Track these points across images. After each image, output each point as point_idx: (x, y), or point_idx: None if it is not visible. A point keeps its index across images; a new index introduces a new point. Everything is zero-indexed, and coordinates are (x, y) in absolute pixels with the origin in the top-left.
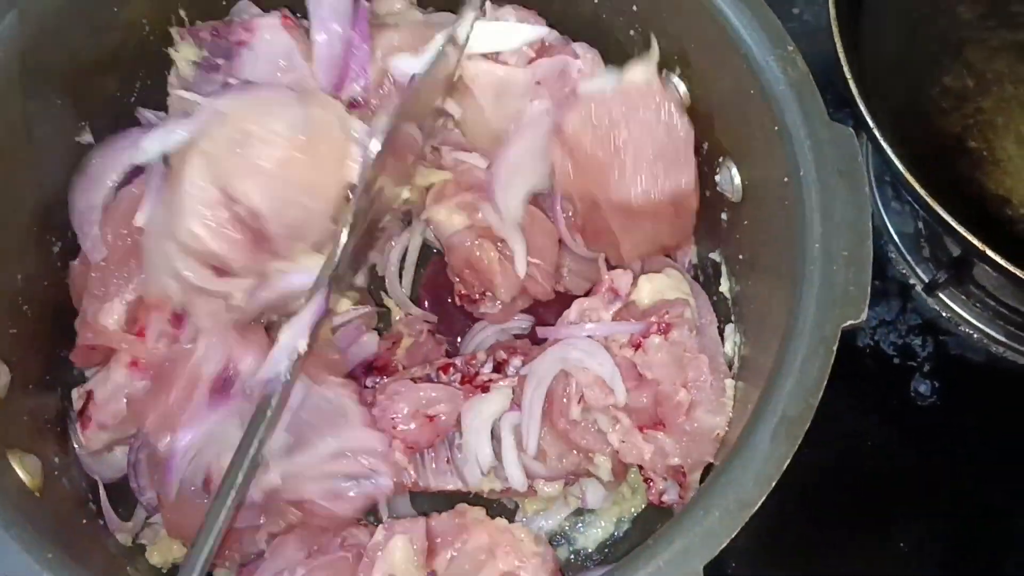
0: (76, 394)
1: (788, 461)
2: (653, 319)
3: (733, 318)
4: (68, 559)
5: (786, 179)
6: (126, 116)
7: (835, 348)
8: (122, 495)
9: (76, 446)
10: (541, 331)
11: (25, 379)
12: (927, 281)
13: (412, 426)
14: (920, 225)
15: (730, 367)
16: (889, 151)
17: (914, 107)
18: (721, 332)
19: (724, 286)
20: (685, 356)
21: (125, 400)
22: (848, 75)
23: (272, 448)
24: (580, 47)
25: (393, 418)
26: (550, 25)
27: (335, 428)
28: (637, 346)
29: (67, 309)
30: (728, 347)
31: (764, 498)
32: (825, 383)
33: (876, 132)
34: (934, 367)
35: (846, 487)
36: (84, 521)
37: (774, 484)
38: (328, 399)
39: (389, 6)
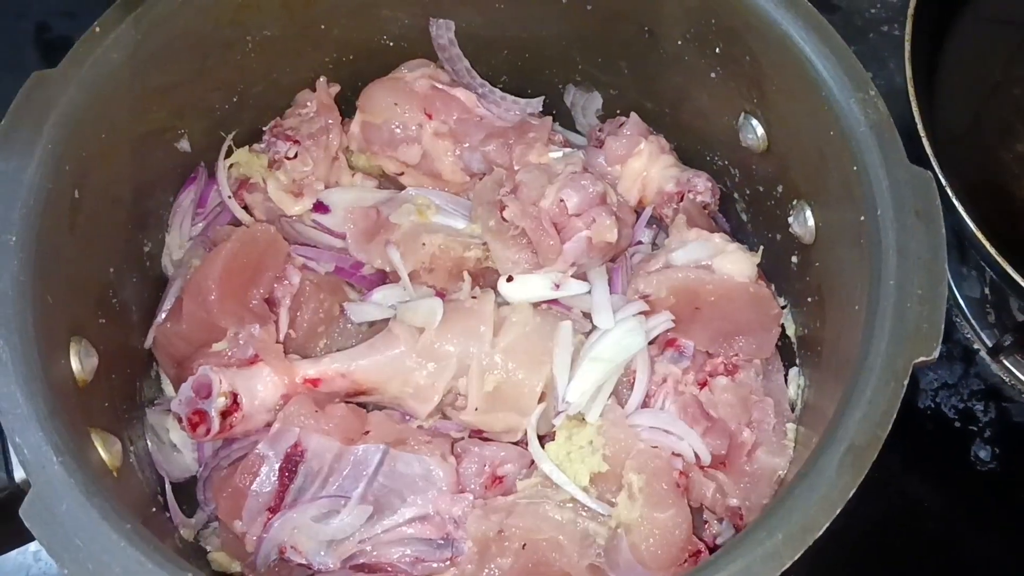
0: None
1: (853, 490)
2: (720, 359)
3: (798, 361)
4: (143, 535)
5: (862, 218)
6: (226, 126)
7: (906, 383)
8: (188, 494)
9: (149, 442)
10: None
11: (108, 368)
12: (991, 346)
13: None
14: (986, 290)
15: (793, 410)
16: (961, 210)
17: (986, 172)
18: (785, 376)
19: (790, 329)
20: (751, 398)
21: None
22: (923, 135)
23: (348, 520)
24: (700, 179)
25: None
26: (630, 62)
27: (417, 492)
28: (703, 385)
29: (150, 307)
30: (792, 390)
31: (828, 524)
32: (894, 417)
33: (949, 191)
34: (995, 433)
35: (897, 550)
36: (153, 510)
37: (838, 511)
38: (409, 463)
39: None
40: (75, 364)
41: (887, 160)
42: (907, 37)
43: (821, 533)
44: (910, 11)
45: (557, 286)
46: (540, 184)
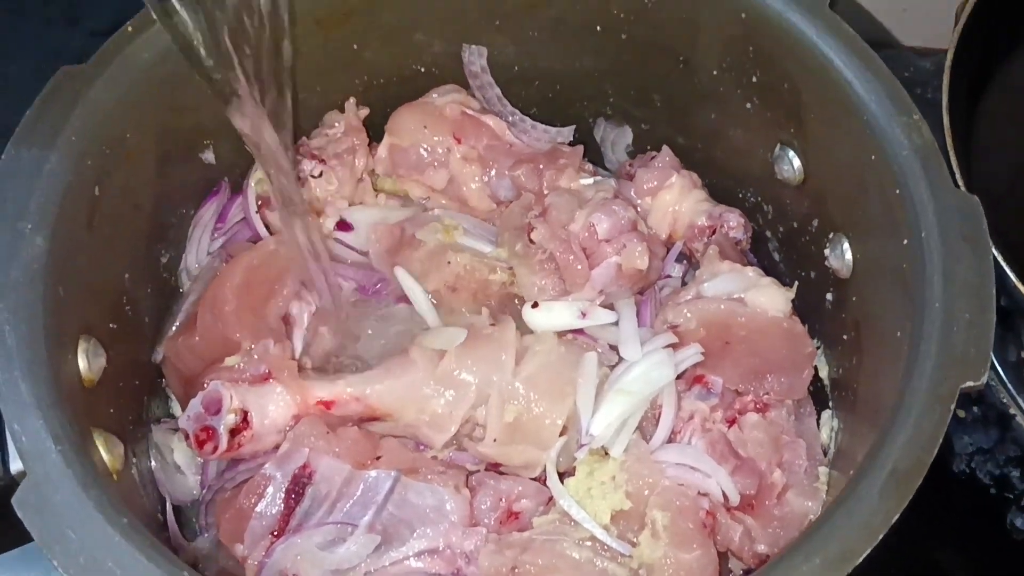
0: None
1: (896, 517)
2: (750, 398)
3: (831, 404)
4: (139, 530)
5: (906, 242)
6: None
7: (952, 408)
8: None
9: (152, 461)
10: None
11: (117, 376)
12: None
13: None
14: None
15: (825, 454)
16: (1008, 269)
17: None
18: (817, 420)
19: (823, 372)
20: (782, 437)
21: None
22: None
23: (354, 549)
24: (732, 214)
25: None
26: (663, 94)
27: (428, 524)
28: (732, 423)
29: (162, 321)
30: (824, 434)
31: (868, 552)
32: (939, 443)
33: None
34: None
35: None
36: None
37: (880, 538)
38: (421, 493)
39: None
40: (82, 362)
41: (932, 184)
42: (944, 100)
43: (860, 561)
44: (946, 80)
45: (584, 314)
46: (570, 208)
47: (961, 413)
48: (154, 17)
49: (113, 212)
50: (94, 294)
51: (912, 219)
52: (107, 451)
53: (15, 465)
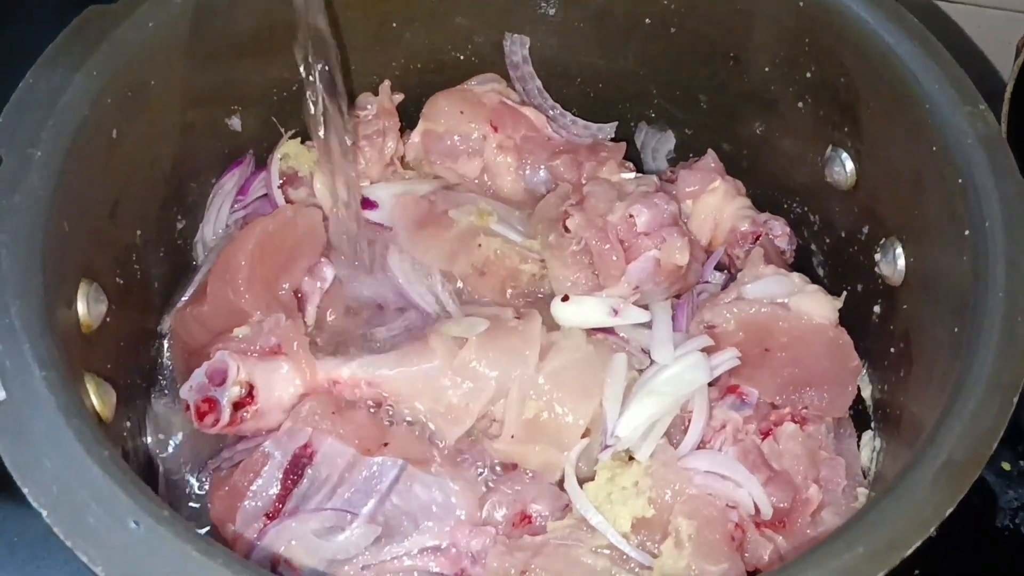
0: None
1: (950, 510)
2: (787, 411)
3: (873, 424)
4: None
5: (967, 232)
6: (281, 116)
7: (1015, 400)
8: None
9: (149, 438)
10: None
11: (118, 331)
12: None
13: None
14: None
15: (865, 476)
16: None
17: None
18: (857, 440)
19: (866, 392)
20: (820, 453)
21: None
22: None
23: (352, 539)
24: (777, 222)
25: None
26: (710, 95)
27: (433, 519)
28: (766, 434)
29: (171, 291)
30: (865, 456)
31: (917, 545)
32: (999, 436)
33: None
34: None
35: None
36: None
37: (932, 531)
38: (428, 486)
39: None
40: (82, 305)
41: (996, 173)
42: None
43: (909, 553)
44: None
45: (615, 312)
46: (609, 198)
47: (1007, 466)
48: None
49: (129, 160)
50: (101, 240)
51: (975, 210)
52: (98, 397)
53: None
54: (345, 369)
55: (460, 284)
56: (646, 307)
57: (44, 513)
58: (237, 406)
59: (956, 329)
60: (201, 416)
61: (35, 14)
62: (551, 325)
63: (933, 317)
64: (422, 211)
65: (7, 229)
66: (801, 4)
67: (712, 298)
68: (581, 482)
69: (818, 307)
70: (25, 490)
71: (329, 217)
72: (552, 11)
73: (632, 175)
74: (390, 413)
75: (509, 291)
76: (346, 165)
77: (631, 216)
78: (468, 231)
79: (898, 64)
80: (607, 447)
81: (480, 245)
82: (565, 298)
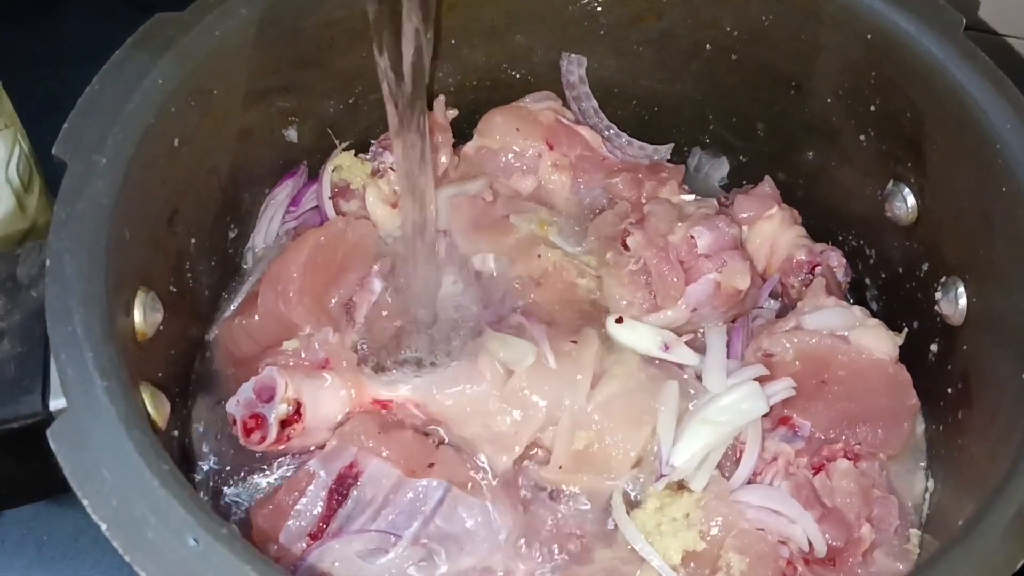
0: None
1: (1021, 563)
2: (840, 446)
3: (925, 463)
4: (179, 480)
5: None
6: (337, 128)
7: None
8: None
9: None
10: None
11: (170, 340)
12: None
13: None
14: None
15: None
16: None
17: None
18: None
19: (918, 428)
20: (873, 491)
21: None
22: None
23: (396, 562)
24: (834, 253)
25: None
26: (768, 123)
27: (477, 542)
28: (818, 469)
29: (219, 300)
30: (916, 494)
31: None
32: None
33: None
34: None
35: None
36: None
37: None
38: (472, 508)
39: None
40: (138, 314)
41: None
42: None
43: None
44: None
45: (666, 347)
46: (670, 218)
47: None
48: None
49: (189, 169)
50: (159, 248)
51: None
52: (153, 408)
53: (55, 403)
54: (392, 389)
55: (518, 285)
56: (697, 336)
57: (103, 526)
58: (284, 424)
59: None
60: (248, 432)
61: (83, 11)
62: (604, 343)
63: (997, 360)
64: (477, 211)
65: (71, 236)
66: (869, 37)
67: (770, 326)
68: (629, 509)
69: (878, 342)
70: (85, 502)
71: (402, 224)
72: (612, 33)
73: (692, 197)
74: (437, 434)
75: (563, 305)
76: (424, 168)
77: (692, 237)
78: (528, 239)
79: (968, 101)
80: (662, 476)
81: (539, 256)
82: (619, 320)
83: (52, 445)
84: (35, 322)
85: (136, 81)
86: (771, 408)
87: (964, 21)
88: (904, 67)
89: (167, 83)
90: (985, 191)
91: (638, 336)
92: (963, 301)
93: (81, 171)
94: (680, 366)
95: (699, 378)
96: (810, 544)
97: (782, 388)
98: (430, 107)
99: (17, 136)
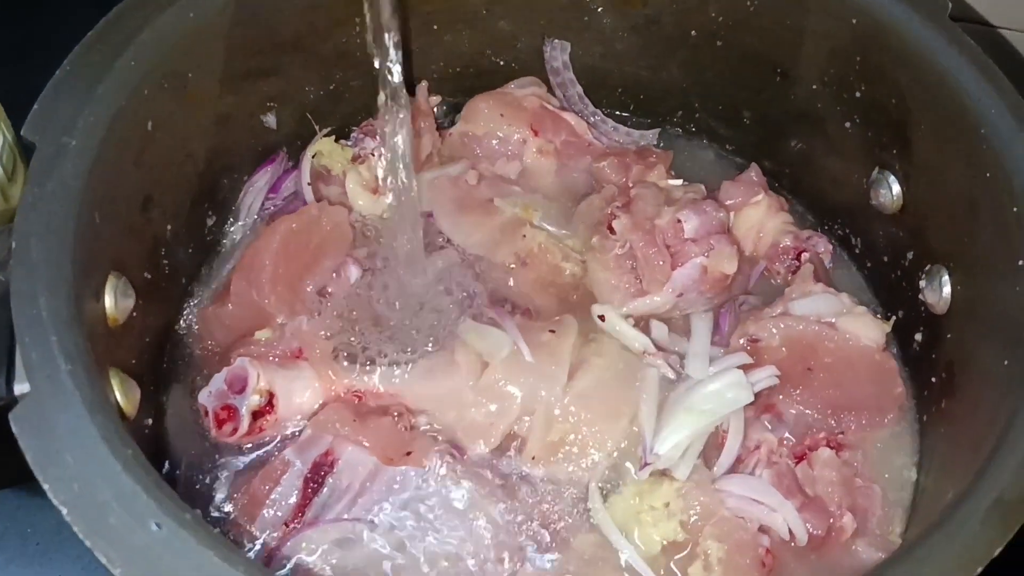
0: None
1: (999, 549)
2: (823, 435)
3: (908, 453)
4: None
5: (1021, 262)
6: (317, 114)
7: None
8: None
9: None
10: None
11: (144, 327)
12: None
13: None
14: None
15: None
16: None
17: None
18: None
19: (904, 418)
20: (856, 481)
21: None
22: None
23: (374, 549)
24: (820, 239)
25: None
26: (754, 110)
27: (455, 530)
28: (800, 458)
29: (197, 286)
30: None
31: None
32: None
33: None
34: None
35: None
36: None
37: (979, 570)
38: (449, 496)
39: None
40: (109, 299)
41: None
42: None
43: None
44: None
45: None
46: (657, 202)
47: None
48: None
49: (164, 154)
50: (132, 233)
51: None
52: (122, 394)
53: (20, 387)
54: (367, 379)
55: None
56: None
57: (64, 511)
58: (256, 415)
59: (1007, 362)
60: (220, 424)
61: (69, 2)
62: (587, 327)
63: (981, 349)
64: (461, 193)
65: (39, 218)
66: (855, 22)
67: (756, 311)
68: (608, 498)
69: (866, 329)
70: (46, 486)
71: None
72: (597, 19)
73: (679, 182)
74: (412, 421)
75: (546, 288)
76: (407, 153)
77: (679, 221)
78: (513, 221)
79: (955, 87)
80: (646, 464)
81: (524, 236)
82: (602, 318)
83: (14, 429)
84: (1, 306)
85: (108, 62)
86: (756, 397)
87: (950, 5)
88: (890, 52)
89: (140, 65)
90: (970, 178)
91: (622, 329)
92: (947, 290)
93: (50, 153)
94: (665, 351)
95: (682, 364)
96: (791, 533)
97: (766, 376)
98: (412, 93)
99: (1, 126)
